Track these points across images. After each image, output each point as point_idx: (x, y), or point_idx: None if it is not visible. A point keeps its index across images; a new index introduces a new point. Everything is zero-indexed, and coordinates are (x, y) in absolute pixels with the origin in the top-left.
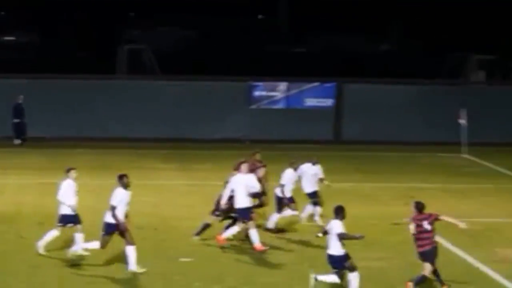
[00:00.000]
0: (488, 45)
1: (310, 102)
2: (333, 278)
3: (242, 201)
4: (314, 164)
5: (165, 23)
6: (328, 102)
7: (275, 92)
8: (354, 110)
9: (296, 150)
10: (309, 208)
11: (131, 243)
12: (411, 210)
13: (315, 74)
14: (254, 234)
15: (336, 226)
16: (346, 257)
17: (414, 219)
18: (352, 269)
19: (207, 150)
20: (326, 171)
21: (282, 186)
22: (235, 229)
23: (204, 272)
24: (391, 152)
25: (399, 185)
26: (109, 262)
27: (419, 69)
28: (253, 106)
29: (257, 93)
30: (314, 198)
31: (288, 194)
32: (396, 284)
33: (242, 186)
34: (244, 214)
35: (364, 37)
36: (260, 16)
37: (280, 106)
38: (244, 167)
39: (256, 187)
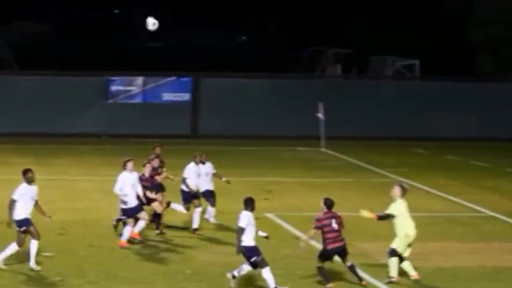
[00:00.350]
0: (344, 39)
1: (167, 96)
2: (267, 271)
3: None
4: (204, 162)
5: (22, 18)
6: (185, 96)
7: (132, 87)
8: (211, 104)
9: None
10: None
11: (36, 237)
12: (321, 207)
13: (171, 69)
14: (126, 231)
15: (242, 219)
16: (255, 250)
17: (319, 220)
18: (262, 264)
19: (65, 144)
20: (183, 166)
21: (184, 179)
22: (140, 226)
23: (65, 266)
24: (249, 147)
25: (258, 179)
26: None
27: (275, 63)
28: (110, 101)
29: (114, 88)
30: (210, 197)
31: (193, 188)
32: (250, 279)
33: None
34: (130, 213)
35: (220, 31)
36: (116, 11)
37: (137, 100)
38: (130, 164)
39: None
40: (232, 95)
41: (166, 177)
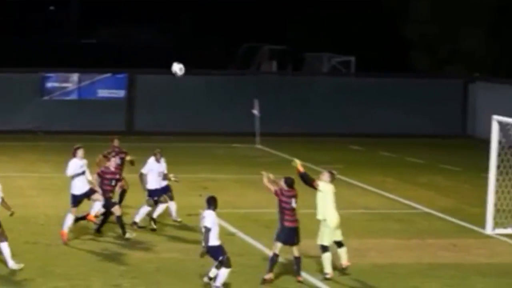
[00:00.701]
0: (279, 35)
1: (102, 93)
2: (224, 272)
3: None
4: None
5: None
6: (120, 93)
7: (67, 84)
8: (146, 101)
9: (89, 141)
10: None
11: (3, 239)
12: (281, 185)
13: (107, 66)
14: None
15: (207, 218)
16: (221, 249)
17: (282, 194)
18: (226, 265)
19: (0, 141)
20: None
21: (142, 175)
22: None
23: None
24: (184, 143)
25: (193, 176)
26: None
27: (211, 60)
28: (46, 97)
29: (49, 84)
30: (156, 196)
31: (153, 185)
32: (191, 273)
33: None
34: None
35: (155, 28)
36: (51, 8)
37: (72, 97)
38: (80, 152)
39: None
40: (167, 92)
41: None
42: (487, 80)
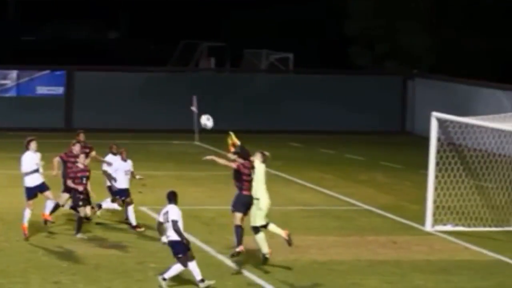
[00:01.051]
0: (217, 32)
1: (41, 90)
2: (177, 268)
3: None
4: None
5: None
6: (59, 90)
7: (5, 80)
8: (84, 97)
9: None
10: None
11: None
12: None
13: (45, 62)
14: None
15: (172, 212)
16: (184, 245)
17: (244, 167)
18: (183, 263)
19: None
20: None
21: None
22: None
23: None
24: (123, 140)
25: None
26: None
27: (149, 57)
28: None
29: None
30: (124, 196)
31: (121, 184)
32: (130, 270)
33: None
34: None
35: (92, 25)
36: None
37: (11, 94)
38: (33, 144)
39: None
40: (106, 89)
41: (95, 158)
42: (426, 76)
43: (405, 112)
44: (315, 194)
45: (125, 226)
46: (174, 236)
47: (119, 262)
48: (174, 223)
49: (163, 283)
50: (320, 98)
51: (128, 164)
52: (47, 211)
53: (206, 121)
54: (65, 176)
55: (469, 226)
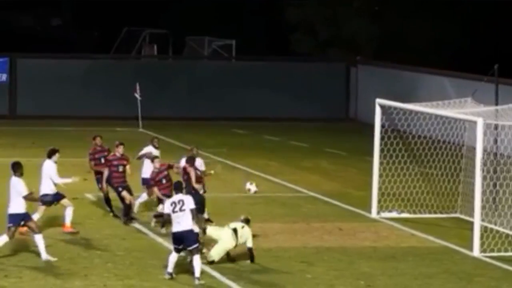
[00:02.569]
0: (160, 19)
1: None
2: (199, 260)
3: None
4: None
5: None
6: (2, 77)
7: None
8: (28, 85)
9: None
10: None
11: (37, 231)
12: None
13: None
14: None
15: (189, 201)
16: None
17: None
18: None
19: None
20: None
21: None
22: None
23: None
24: (68, 127)
25: (77, 160)
26: None
27: (92, 44)
28: None
29: None
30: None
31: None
32: (77, 257)
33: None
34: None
35: (35, 13)
36: None
37: None
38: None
39: None
40: (50, 76)
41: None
42: (370, 63)
43: (349, 99)
44: (261, 181)
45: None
46: (187, 226)
47: (65, 249)
48: (193, 211)
49: (201, 282)
50: (264, 85)
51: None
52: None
53: (250, 185)
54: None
55: (414, 213)
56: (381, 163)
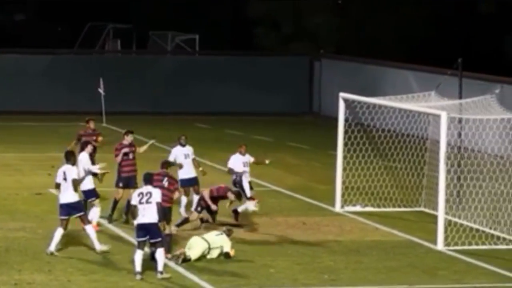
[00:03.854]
0: (124, 14)
1: None
2: (162, 253)
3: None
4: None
5: None
6: None
7: None
8: None
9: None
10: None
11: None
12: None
13: None
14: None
15: (157, 194)
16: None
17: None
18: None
19: None
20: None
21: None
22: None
23: None
24: (30, 122)
25: (40, 155)
26: None
27: (55, 39)
28: None
29: None
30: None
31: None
32: (40, 252)
33: None
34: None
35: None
36: None
37: None
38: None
39: None
40: (12, 71)
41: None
42: (333, 57)
43: (312, 93)
44: (224, 175)
45: (31, 209)
46: (152, 218)
47: (29, 244)
48: (159, 205)
49: (165, 276)
50: (227, 79)
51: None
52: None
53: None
54: None
55: (378, 206)
56: (344, 157)
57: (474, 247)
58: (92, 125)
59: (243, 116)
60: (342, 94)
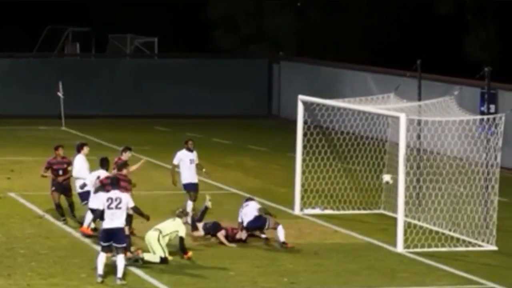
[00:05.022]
0: (83, 17)
1: None
2: (123, 260)
3: None
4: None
5: None
6: None
7: None
8: None
9: None
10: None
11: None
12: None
13: None
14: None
15: (126, 198)
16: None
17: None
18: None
19: None
20: None
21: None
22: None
23: None
24: None
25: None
26: None
27: (15, 42)
28: None
29: None
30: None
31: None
32: (4, 252)
33: None
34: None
35: None
36: None
37: None
38: (86, 149)
39: None
40: None
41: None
42: (292, 59)
43: (272, 95)
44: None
45: None
46: (120, 224)
47: None
48: (135, 208)
49: (123, 282)
50: (186, 82)
51: (193, 154)
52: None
53: (389, 179)
54: None
55: (338, 209)
56: (304, 160)
57: (433, 249)
58: (61, 152)
59: (203, 119)
60: (301, 97)
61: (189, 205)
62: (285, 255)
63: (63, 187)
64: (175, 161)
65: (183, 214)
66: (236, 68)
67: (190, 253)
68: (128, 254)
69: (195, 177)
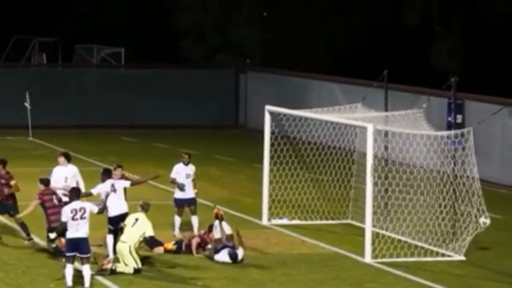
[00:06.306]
0: (50, 27)
1: None
2: (89, 270)
3: None
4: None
5: None
6: None
7: None
8: None
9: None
10: None
11: None
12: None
13: None
14: None
15: (91, 207)
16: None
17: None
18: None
19: None
20: None
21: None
22: None
23: None
24: None
25: None
26: None
27: None
28: None
29: None
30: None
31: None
32: None
33: None
34: None
35: None
36: None
37: None
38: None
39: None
40: None
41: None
42: (258, 70)
43: (239, 105)
44: (151, 189)
45: None
46: (84, 234)
47: None
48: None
49: None
50: (153, 92)
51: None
52: None
53: (485, 219)
54: None
55: (305, 219)
56: (271, 170)
57: (401, 259)
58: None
59: (170, 129)
60: (267, 107)
61: (177, 220)
62: (253, 265)
63: (3, 205)
64: (172, 175)
65: (147, 207)
66: (203, 78)
67: (166, 244)
68: (106, 264)
69: (191, 192)
